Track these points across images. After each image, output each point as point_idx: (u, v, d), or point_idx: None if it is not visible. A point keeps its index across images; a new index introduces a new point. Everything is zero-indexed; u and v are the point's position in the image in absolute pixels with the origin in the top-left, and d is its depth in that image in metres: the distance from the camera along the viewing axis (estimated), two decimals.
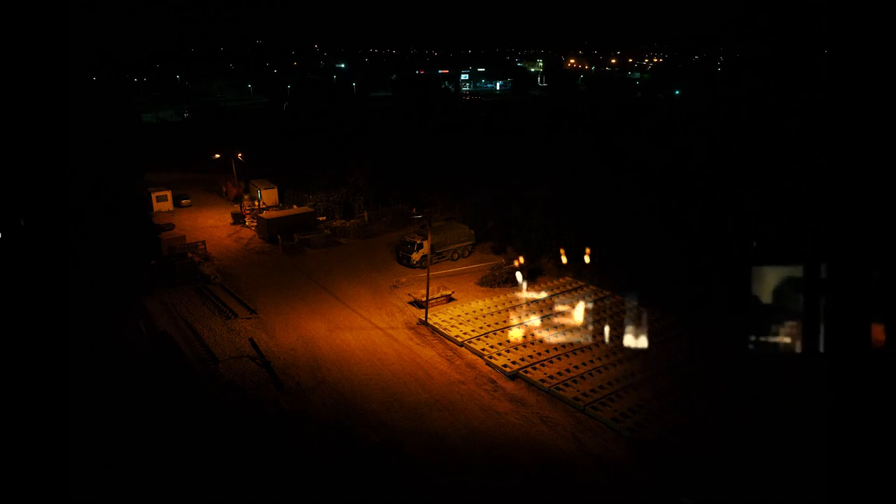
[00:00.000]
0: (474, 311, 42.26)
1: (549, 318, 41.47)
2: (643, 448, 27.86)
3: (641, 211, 51.68)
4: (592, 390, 32.45)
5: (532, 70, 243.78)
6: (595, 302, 44.39)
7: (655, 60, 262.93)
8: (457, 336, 38.39)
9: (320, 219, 63.04)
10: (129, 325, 40.12)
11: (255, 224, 62.13)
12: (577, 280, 48.10)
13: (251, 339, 38.30)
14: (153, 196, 68.66)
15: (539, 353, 36.53)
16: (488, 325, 40.04)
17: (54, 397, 29.19)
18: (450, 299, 45.18)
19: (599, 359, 36.13)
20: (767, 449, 27.42)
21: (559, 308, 43.27)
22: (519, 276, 48.34)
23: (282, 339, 38.75)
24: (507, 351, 36.69)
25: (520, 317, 41.64)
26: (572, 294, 45.78)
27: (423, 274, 46.31)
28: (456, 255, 53.59)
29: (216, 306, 43.33)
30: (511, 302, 44.13)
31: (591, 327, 40.45)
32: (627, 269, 47.02)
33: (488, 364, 35.57)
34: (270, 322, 41.23)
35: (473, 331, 39.10)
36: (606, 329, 40.05)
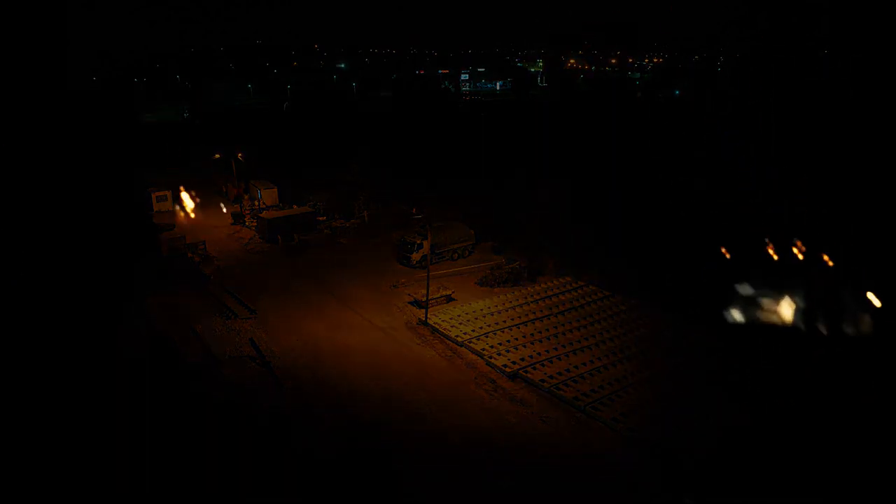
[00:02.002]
0: (474, 311, 42.24)
1: (549, 318, 41.46)
2: (643, 448, 27.85)
3: (642, 211, 51.81)
4: (592, 390, 32.44)
5: (532, 70, 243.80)
6: (595, 302, 44.37)
7: (655, 60, 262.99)
8: (457, 336, 38.37)
9: (320, 219, 63.04)
10: (129, 324, 40.11)
11: (255, 224, 62.13)
12: (577, 280, 48.08)
13: (251, 339, 38.30)
14: (153, 196, 68.66)
15: (539, 353, 36.52)
16: (488, 325, 40.02)
17: (54, 397, 29.29)
18: (450, 299, 45.16)
19: (599, 359, 36.12)
20: (767, 448, 27.43)
21: (559, 308, 43.23)
22: (519, 276, 48.38)
23: (282, 339, 38.74)
24: (507, 351, 36.68)
25: (520, 317, 41.61)
26: (572, 294, 45.75)
27: (423, 274, 46.31)
28: (456, 255, 53.57)
29: (216, 306, 43.33)
30: (511, 302, 44.10)
31: (591, 327, 40.43)
32: (628, 269, 47.11)
33: (488, 364, 35.55)
34: (270, 322, 41.22)
35: (473, 331, 39.08)
36: (606, 329, 40.05)
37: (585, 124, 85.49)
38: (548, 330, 39.78)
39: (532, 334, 39.09)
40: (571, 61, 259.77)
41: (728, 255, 43.46)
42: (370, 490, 25.49)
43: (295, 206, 65.10)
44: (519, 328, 39.90)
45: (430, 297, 42.03)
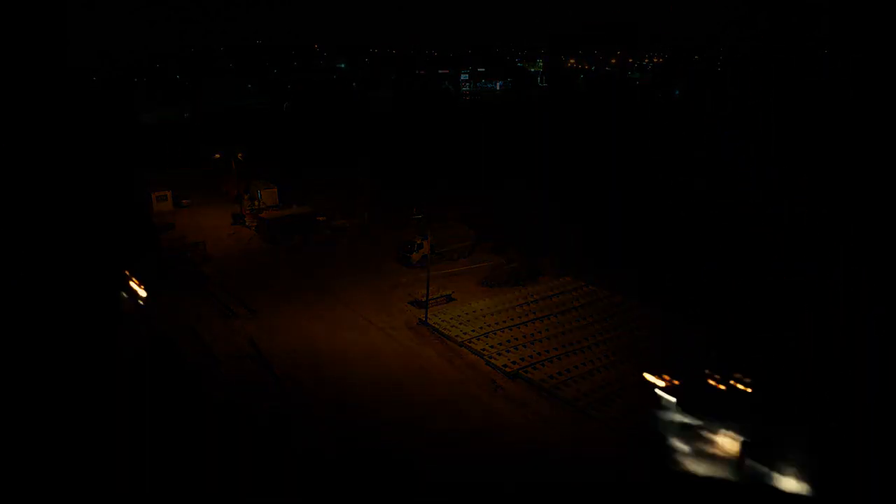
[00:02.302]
0: (474, 311, 42.24)
1: (548, 318, 41.45)
2: (644, 448, 27.83)
3: (642, 211, 51.83)
4: (592, 390, 32.44)
5: (532, 70, 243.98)
6: (595, 302, 44.35)
7: (655, 60, 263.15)
8: (457, 336, 38.36)
9: (320, 219, 63.01)
10: (129, 324, 40.11)
11: (255, 224, 62.13)
12: (577, 280, 48.07)
13: (251, 339, 38.31)
14: (153, 196, 68.68)
15: (539, 353, 36.51)
16: (488, 325, 40.00)
17: (55, 397, 29.23)
18: (450, 299, 45.16)
19: (599, 359, 36.11)
20: (768, 447, 27.40)
21: (559, 308, 43.22)
22: (519, 276, 48.36)
23: (282, 339, 38.73)
24: (507, 351, 36.67)
25: (520, 317, 41.60)
26: (572, 294, 45.74)
27: (423, 274, 46.28)
28: (456, 255, 53.54)
29: (216, 306, 43.32)
30: (511, 302, 44.09)
31: (591, 327, 40.40)
32: (627, 270, 47.13)
33: (488, 364, 35.54)
34: (270, 322, 41.21)
35: (473, 331, 39.07)
36: (606, 329, 40.03)
37: (585, 124, 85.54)
38: (548, 330, 39.77)
39: (532, 334, 39.08)
40: (571, 61, 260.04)
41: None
42: (370, 490, 25.48)
43: (295, 206, 65.10)
44: (519, 328, 39.89)
45: (430, 297, 42.02)
